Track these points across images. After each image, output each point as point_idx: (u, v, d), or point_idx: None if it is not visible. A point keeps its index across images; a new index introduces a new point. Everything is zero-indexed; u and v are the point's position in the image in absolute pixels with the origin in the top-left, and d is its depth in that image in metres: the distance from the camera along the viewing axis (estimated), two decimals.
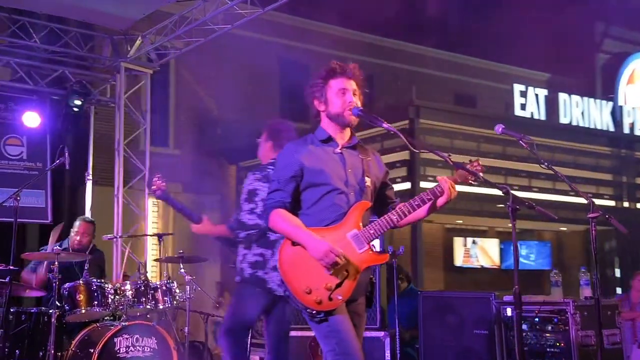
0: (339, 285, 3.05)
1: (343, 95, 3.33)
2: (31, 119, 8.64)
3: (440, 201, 3.31)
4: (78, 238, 6.65)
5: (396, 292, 6.08)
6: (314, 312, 3.03)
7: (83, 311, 5.92)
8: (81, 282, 5.91)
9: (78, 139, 9.13)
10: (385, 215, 3.25)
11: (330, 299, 3.02)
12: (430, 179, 13.52)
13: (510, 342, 5.52)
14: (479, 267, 16.76)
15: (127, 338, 5.82)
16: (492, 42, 18.70)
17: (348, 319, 3.13)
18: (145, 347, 5.85)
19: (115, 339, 5.75)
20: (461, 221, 16.30)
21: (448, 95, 19.37)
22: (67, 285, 5.92)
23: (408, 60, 19.25)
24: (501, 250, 16.95)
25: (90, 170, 9.39)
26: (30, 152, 9.00)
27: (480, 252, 16.95)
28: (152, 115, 12.77)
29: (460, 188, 3.38)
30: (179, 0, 7.92)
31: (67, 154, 5.91)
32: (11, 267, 5.25)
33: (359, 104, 3.38)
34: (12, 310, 6.09)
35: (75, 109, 8.60)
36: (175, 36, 8.21)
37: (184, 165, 14.69)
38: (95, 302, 5.93)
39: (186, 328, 6.47)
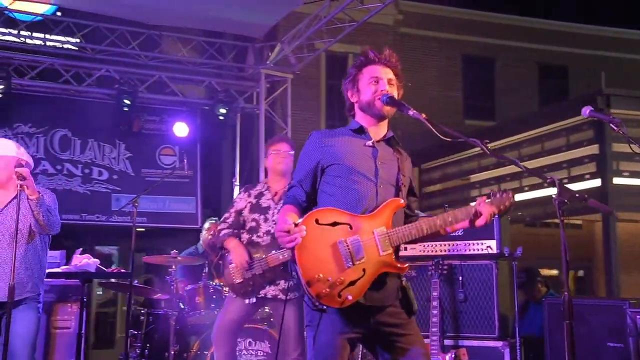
0: (352, 284, 2.82)
1: (376, 84, 3.12)
2: (180, 129, 9.28)
3: (477, 222, 3.05)
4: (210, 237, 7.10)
5: (516, 298, 5.64)
6: (317, 303, 2.81)
7: (202, 313, 6.21)
8: (200, 284, 6.21)
9: (225, 146, 9.63)
10: (417, 223, 3.00)
11: (339, 295, 2.80)
12: (625, 174, 12.39)
13: None
14: None
15: (239, 342, 5.99)
16: None
17: (340, 339, 2.91)
18: (259, 352, 5.99)
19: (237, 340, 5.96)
20: None
21: None
22: (188, 287, 6.25)
23: (608, 46, 17.86)
24: None
25: (237, 176, 9.85)
26: (183, 161, 9.67)
27: None
28: (329, 121, 13.09)
29: None
30: (307, 2, 8.01)
31: (185, 160, 6.26)
32: (123, 271, 5.64)
33: (395, 94, 3.15)
34: (142, 311, 6.60)
35: (221, 117, 9.08)
36: (307, 37, 8.32)
37: None
38: (213, 305, 6.20)
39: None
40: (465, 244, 5.77)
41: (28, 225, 4.50)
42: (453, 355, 5.44)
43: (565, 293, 2.93)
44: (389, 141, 3.20)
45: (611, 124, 3.60)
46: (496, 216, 3.13)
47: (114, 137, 9.78)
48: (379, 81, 3.12)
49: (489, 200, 3.08)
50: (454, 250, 5.79)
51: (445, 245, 5.82)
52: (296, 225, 2.81)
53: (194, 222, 9.49)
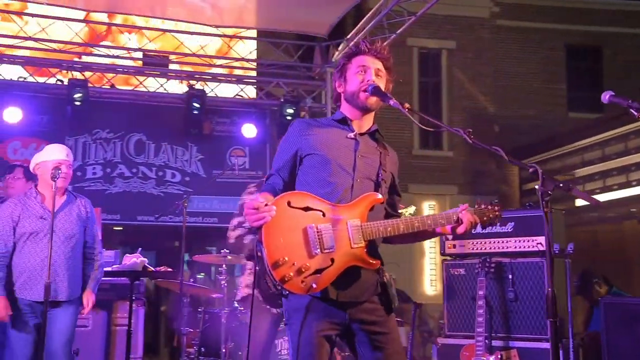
0: (318, 272, 2.76)
1: (363, 74, 3.05)
2: (249, 131, 9.52)
3: (458, 230, 3.00)
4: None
5: (569, 297, 5.41)
6: (279, 286, 2.76)
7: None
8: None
9: None
10: (394, 220, 2.94)
11: (304, 282, 2.74)
12: None
13: None
14: None
15: (287, 340, 6.07)
16: None
17: (317, 337, 2.88)
18: None
19: (277, 341, 6.04)
20: None
21: None
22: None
23: None
24: None
25: None
26: (252, 161, 9.94)
27: None
28: (422, 118, 12.95)
29: None
30: None
31: (235, 161, 6.42)
32: (169, 270, 5.85)
33: (382, 85, 3.07)
34: (199, 310, 6.82)
35: (288, 118, 9.22)
36: (370, 33, 8.30)
37: (458, 167, 14.71)
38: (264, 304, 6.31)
39: None
40: (516, 241, 5.60)
41: (77, 231, 4.70)
42: (500, 357, 5.30)
43: (549, 289, 2.77)
44: (373, 135, 3.13)
45: (631, 109, 3.49)
46: (479, 227, 3.05)
47: (186, 140, 10.19)
48: (366, 71, 3.06)
49: (472, 209, 3.02)
50: (502, 248, 5.63)
51: (493, 242, 5.68)
52: (267, 205, 2.76)
53: None
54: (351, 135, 3.05)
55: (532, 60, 16.07)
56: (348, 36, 9.13)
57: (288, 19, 8.71)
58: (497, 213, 3.05)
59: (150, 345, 7.30)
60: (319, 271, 2.77)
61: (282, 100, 9.46)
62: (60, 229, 4.61)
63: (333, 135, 3.05)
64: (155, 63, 10.22)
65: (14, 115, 9.15)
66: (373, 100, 3.04)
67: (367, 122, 3.13)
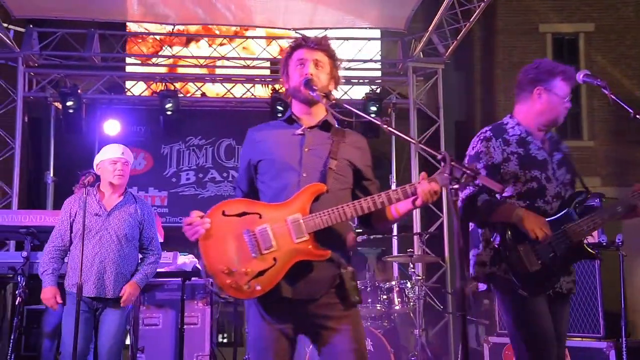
0: (261, 274, 2.81)
1: (302, 67, 3.08)
2: None
3: (416, 203, 2.88)
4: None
5: (623, 292, 5.13)
6: (223, 295, 2.89)
7: None
8: None
9: (377, 143, 9.76)
10: (339, 207, 2.87)
11: (247, 286, 2.80)
12: None
13: None
14: None
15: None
16: None
17: (272, 333, 2.92)
18: None
19: None
20: None
21: None
22: None
23: None
24: None
25: (393, 174, 9.97)
26: None
27: None
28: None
29: None
30: None
31: None
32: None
33: (324, 76, 3.08)
34: None
35: (372, 115, 9.27)
36: (438, 21, 8.25)
37: (601, 157, 14.10)
38: None
39: (416, 331, 6.52)
40: None
41: (130, 231, 4.86)
42: None
43: (458, 283, 2.65)
44: (325, 126, 3.12)
45: (602, 88, 3.53)
46: (439, 194, 2.83)
47: None
48: (304, 64, 3.08)
49: (433, 176, 2.84)
50: None
51: None
52: (202, 218, 2.87)
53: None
54: (298, 131, 3.08)
55: None
56: (429, 28, 9.09)
57: (364, 16, 8.82)
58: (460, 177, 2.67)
59: (218, 343, 7.59)
60: (261, 273, 2.82)
61: (364, 98, 9.54)
62: (113, 227, 4.78)
63: (280, 136, 3.10)
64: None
65: (113, 127, 9.90)
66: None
67: (317, 115, 3.14)
